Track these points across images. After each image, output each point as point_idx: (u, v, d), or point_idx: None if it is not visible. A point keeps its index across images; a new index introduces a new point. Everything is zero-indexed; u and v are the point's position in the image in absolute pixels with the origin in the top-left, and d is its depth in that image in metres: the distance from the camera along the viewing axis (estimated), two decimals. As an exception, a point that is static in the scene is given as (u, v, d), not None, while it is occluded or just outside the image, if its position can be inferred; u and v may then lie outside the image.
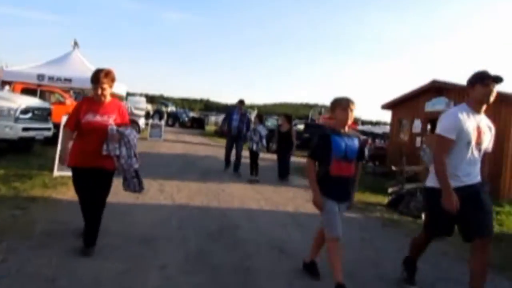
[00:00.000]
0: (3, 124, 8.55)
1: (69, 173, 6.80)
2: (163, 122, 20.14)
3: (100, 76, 3.82)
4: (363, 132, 24.90)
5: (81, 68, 12.09)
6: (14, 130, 8.71)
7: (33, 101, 9.62)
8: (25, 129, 8.92)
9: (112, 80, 3.95)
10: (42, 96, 14.81)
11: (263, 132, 9.47)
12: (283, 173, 9.93)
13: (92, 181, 3.79)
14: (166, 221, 5.28)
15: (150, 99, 69.10)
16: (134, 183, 4.05)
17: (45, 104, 10.08)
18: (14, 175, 6.97)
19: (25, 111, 9.01)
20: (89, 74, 10.90)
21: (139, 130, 18.87)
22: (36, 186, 6.32)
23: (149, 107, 44.81)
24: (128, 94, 47.60)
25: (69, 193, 6.11)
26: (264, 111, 45.34)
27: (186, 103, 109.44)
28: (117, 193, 4.69)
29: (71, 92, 20.99)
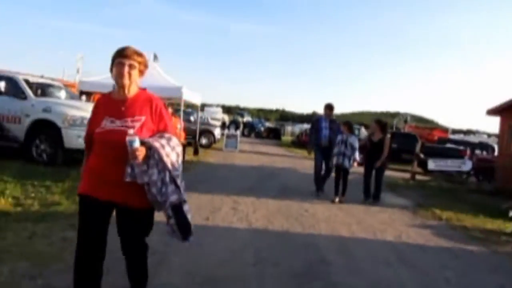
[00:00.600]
0: (76, 133, 8.25)
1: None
2: (238, 132, 19.56)
3: (128, 52, 2.48)
4: (457, 142, 22.17)
5: (154, 77, 11.72)
6: (86, 140, 8.36)
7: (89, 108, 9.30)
8: (97, 139, 8.57)
9: (145, 65, 2.63)
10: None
11: (356, 143, 7.71)
12: (375, 192, 8.07)
13: (105, 221, 2.51)
14: (239, 253, 4.24)
15: (227, 109, 70.23)
16: (172, 228, 2.49)
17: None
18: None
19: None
20: (162, 83, 10.42)
21: (214, 140, 18.45)
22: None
23: (226, 118, 45.26)
24: (205, 105, 48.74)
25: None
26: (342, 121, 43.37)
27: (262, 113, 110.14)
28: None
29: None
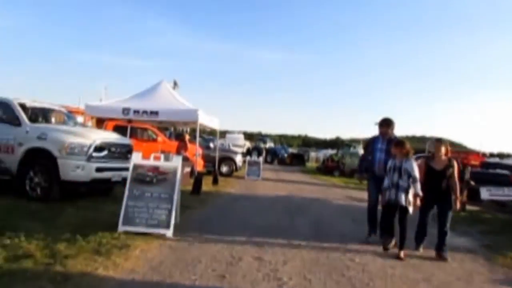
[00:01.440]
0: (74, 163, 7.11)
1: (136, 229, 4.87)
2: (261, 159, 18.22)
3: None
4: (502, 166, 20.13)
5: (169, 100, 10.69)
6: (86, 171, 7.22)
7: (110, 136, 8.17)
8: (99, 170, 7.40)
9: None
10: (133, 133, 13.91)
11: (415, 170, 5.42)
12: (440, 243, 5.67)
13: None
14: None
15: (249, 136, 69.30)
16: None
17: (124, 140, 8.59)
18: (70, 230, 5.23)
19: (100, 148, 7.52)
20: (176, 106, 9.23)
21: (235, 168, 17.14)
22: (84, 251, 4.39)
23: (248, 144, 44.12)
24: (226, 132, 47.83)
25: (125, 266, 4.06)
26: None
27: (284, 139, 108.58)
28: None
29: (167, 132, 20.42)
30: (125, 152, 8.14)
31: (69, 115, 9.32)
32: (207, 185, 12.17)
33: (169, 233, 5.32)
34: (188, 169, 11.73)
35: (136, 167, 5.66)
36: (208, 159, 15.27)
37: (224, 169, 16.96)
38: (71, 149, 7.14)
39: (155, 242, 5.03)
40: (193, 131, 27.31)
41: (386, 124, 6.42)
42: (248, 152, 31.88)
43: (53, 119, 8.62)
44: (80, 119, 19.56)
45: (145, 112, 10.08)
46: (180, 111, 10.13)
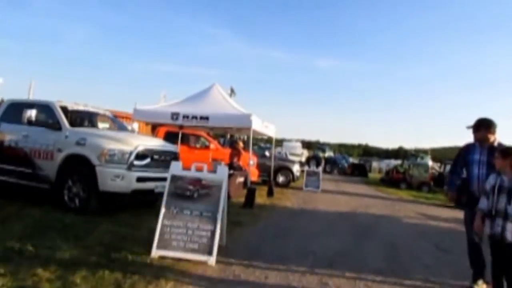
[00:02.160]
0: (113, 172, 6.40)
1: (173, 254, 3.90)
2: (320, 169, 16.92)
3: None
4: None
5: (220, 105, 9.85)
6: (126, 181, 6.49)
7: (154, 143, 7.42)
8: (141, 179, 6.64)
9: None
10: (185, 140, 13.28)
11: None
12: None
13: None
14: None
15: (307, 145, 67.86)
16: None
17: (169, 147, 7.81)
18: (98, 251, 4.44)
19: (142, 155, 6.78)
20: (229, 111, 8.32)
21: (293, 178, 15.99)
22: (102, 285, 3.51)
23: (305, 153, 42.75)
24: (284, 140, 46.76)
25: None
26: (437, 156, 38.37)
27: (343, 148, 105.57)
28: None
29: (222, 139, 19.77)
30: (170, 160, 7.33)
31: (115, 120, 8.76)
32: (261, 197, 11.17)
33: (212, 260, 4.33)
34: (241, 179, 10.83)
35: (174, 179, 4.76)
36: (263, 169, 14.30)
37: (281, 179, 15.90)
38: (110, 156, 6.45)
39: (193, 273, 4.06)
40: (249, 139, 26.78)
41: (484, 126, 4.53)
42: (307, 162, 30.64)
43: (96, 124, 8.09)
44: (135, 125, 19.53)
45: (194, 117, 9.32)
46: (232, 116, 9.25)
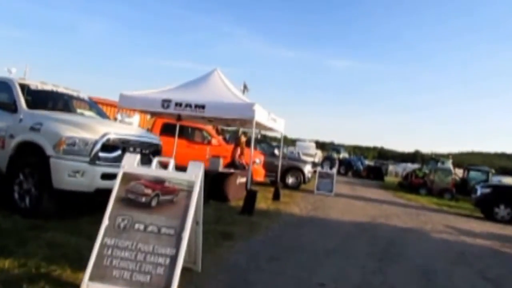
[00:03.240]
0: (71, 166, 5.06)
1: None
2: (334, 171, 15.38)
3: None
4: None
5: (220, 93, 8.41)
6: (88, 177, 5.14)
7: (128, 131, 6.02)
8: (107, 176, 5.23)
9: None
10: (184, 133, 11.92)
11: None
12: None
13: None
14: None
15: (321, 145, 66.18)
16: None
17: (149, 137, 6.42)
18: (17, 274, 3.10)
19: (111, 146, 5.41)
20: (229, 99, 6.42)
21: (303, 179, 14.49)
22: None
23: (319, 153, 41.11)
24: (297, 140, 45.17)
25: None
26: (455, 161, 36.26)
27: (358, 150, 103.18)
28: None
29: (228, 134, 18.36)
30: (149, 154, 5.97)
31: (93, 105, 7.42)
32: (266, 200, 9.74)
33: (169, 302, 2.91)
34: (243, 180, 9.42)
35: (126, 178, 3.35)
36: (271, 168, 12.85)
37: (290, 180, 14.44)
38: (68, 145, 5.09)
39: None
40: (263, 137, 24.91)
41: None
42: (321, 163, 29.12)
43: (70, 109, 6.78)
44: (136, 117, 18.29)
45: (188, 105, 7.92)
46: (231, 106, 7.81)
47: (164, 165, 3.50)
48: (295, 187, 14.19)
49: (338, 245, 5.92)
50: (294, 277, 4.08)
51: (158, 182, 3.31)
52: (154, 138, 6.57)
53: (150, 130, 12.69)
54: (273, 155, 14.13)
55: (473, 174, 24.32)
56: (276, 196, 10.26)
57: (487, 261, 6.22)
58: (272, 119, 9.18)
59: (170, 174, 3.37)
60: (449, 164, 28.91)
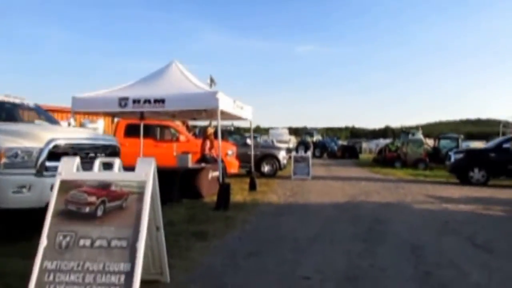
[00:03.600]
0: (16, 180, 4.49)
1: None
2: (309, 154, 15.11)
3: None
4: None
5: (180, 84, 7.88)
6: (36, 191, 4.60)
7: (78, 135, 5.45)
8: (58, 188, 4.66)
9: None
10: (150, 133, 11.33)
11: None
12: None
13: None
14: None
15: (294, 131, 66.10)
16: None
17: (104, 140, 5.86)
18: None
19: (59, 153, 4.83)
20: (190, 90, 6.20)
21: (279, 166, 14.16)
22: None
23: (293, 139, 41.00)
24: (270, 129, 44.87)
25: None
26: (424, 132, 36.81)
27: (331, 132, 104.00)
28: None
29: (197, 129, 17.79)
30: (106, 157, 5.41)
31: (41, 111, 6.77)
32: (242, 192, 9.35)
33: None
34: (215, 174, 8.95)
35: (64, 186, 2.84)
36: (245, 159, 12.42)
37: (266, 168, 14.11)
38: (9, 158, 4.52)
39: None
40: (237, 129, 24.30)
41: None
42: (296, 148, 28.93)
43: (17, 118, 6.13)
44: (100, 123, 17.42)
45: (147, 101, 7.35)
46: (193, 96, 7.30)
47: (108, 166, 3.00)
48: (272, 175, 13.87)
49: (320, 231, 5.57)
50: (276, 273, 3.67)
51: (103, 187, 2.82)
52: (110, 139, 6.00)
53: (114, 133, 12.05)
54: (246, 145, 13.71)
55: (443, 142, 24.64)
56: (252, 187, 9.87)
57: (473, 227, 6.02)
58: (238, 106, 8.72)
59: (116, 175, 2.88)
60: (419, 135, 29.28)
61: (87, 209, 2.76)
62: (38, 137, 4.80)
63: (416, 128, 36.46)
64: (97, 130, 17.36)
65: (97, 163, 2.97)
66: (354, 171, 18.58)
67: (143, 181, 2.81)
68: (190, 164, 8.68)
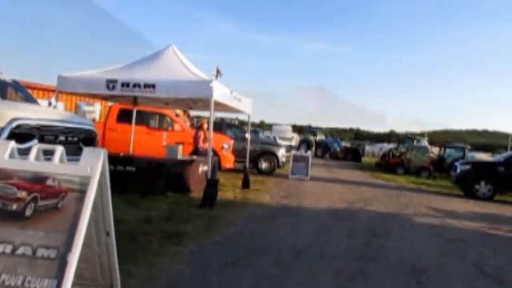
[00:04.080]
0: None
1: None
2: (310, 153, 14.52)
3: None
4: None
5: (174, 70, 7.31)
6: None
7: (47, 115, 4.90)
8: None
9: None
10: (144, 120, 10.80)
11: None
12: None
13: None
14: None
15: (298, 129, 65.50)
16: None
17: (77, 122, 5.31)
18: None
19: (23, 135, 4.30)
20: (184, 77, 5.66)
21: (277, 164, 13.60)
22: None
23: (297, 137, 40.45)
24: (273, 125, 44.31)
25: None
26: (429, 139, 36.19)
27: (335, 132, 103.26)
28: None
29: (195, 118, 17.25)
30: (78, 142, 4.88)
31: (20, 88, 6.23)
32: (234, 188, 8.82)
33: None
34: (205, 168, 8.41)
35: (-11, 176, 2.30)
36: (242, 154, 11.87)
37: (264, 165, 13.52)
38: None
39: None
40: (241, 123, 23.54)
41: None
42: (298, 146, 28.37)
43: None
44: (97, 105, 16.83)
45: (137, 84, 6.80)
46: (184, 83, 6.74)
47: (47, 153, 2.45)
48: (269, 172, 13.31)
49: (310, 241, 5.01)
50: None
51: (37, 181, 2.27)
52: (85, 123, 5.47)
53: (106, 117, 11.53)
54: (245, 139, 13.15)
55: (449, 151, 23.99)
56: (245, 184, 9.32)
57: (480, 249, 5.45)
58: (236, 98, 8.15)
59: (55, 167, 2.33)
60: (425, 142, 28.64)
61: (14, 207, 2.21)
62: (0, 115, 4.26)
63: (422, 134, 35.79)
64: (94, 113, 16.91)
65: (34, 149, 2.40)
66: (355, 174, 18.01)
67: (87, 177, 2.26)
68: (180, 155, 8.14)
